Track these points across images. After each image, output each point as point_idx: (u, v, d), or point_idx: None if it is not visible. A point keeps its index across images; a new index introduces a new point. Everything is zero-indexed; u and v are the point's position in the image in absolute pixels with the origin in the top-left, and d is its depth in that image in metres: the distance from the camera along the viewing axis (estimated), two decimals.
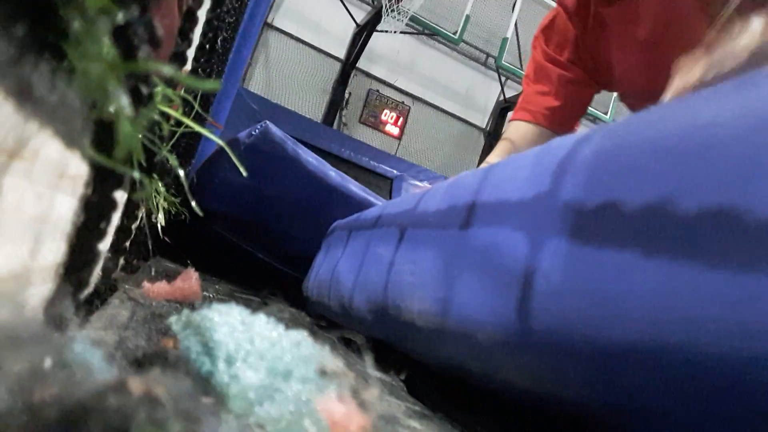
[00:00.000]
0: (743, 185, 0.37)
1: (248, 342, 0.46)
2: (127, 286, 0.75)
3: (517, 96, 7.58)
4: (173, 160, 0.55)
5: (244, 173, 0.66)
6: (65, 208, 0.38)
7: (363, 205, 1.64)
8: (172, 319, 0.54)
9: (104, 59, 0.25)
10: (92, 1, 0.21)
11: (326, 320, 1.33)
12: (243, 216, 1.60)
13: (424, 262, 0.74)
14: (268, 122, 1.63)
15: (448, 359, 0.75)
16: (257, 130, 1.58)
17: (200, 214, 0.66)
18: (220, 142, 0.53)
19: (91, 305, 0.57)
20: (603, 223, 0.48)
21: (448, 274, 0.68)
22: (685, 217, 0.39)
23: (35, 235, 0.33)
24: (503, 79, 7.88)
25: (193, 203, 0.58)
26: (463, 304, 0.64)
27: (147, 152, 0.53)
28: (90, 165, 0.40)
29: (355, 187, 1.75)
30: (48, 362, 0.32)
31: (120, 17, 0.25)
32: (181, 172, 0.57)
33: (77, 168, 0.38)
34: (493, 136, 7.86)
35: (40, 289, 0.38)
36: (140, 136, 0.38)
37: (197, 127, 0.52)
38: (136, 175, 0.40)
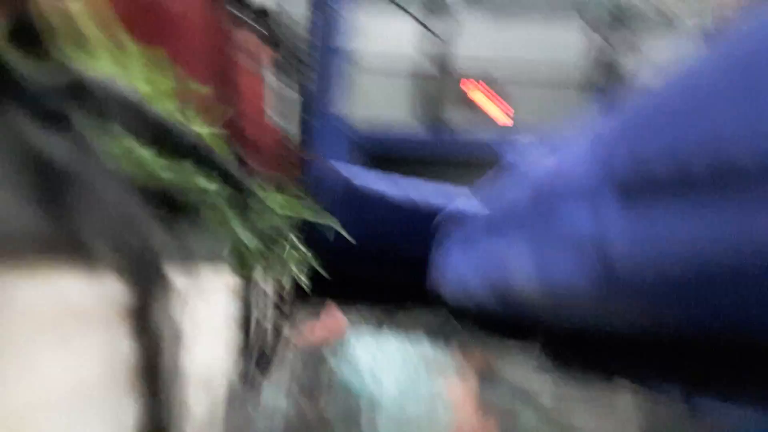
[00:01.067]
0: (732, 137, 0.43)
1: (384, 359, 0.60)
2: (293, 338, 0.94)
3: None
4: (299, 247, 0.71)
5: (353, 241, 0.80)
6: (230, 305, 0.55)
7: (444, 209, 1.78)
8: (327, 353, 0.70)
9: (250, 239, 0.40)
10: (214, 219, 0.36)
11: (459, 318, 1.45)
12: (355, 249, 1.80)
13: (515, 249, 0.83)
14: (344, 174, 1.83)
15: (578, 323, 0.82)
16: (337, 185, 1.79)
17: (326, 276, 0.82)
18: (332, 224, 0.71)
19: (268, 362, 0.75)
20: (640, 183, 0.55)
21: (537, 257, 0.77)
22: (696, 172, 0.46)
23: (216, 333, 0.50)
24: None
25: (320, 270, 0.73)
26: (560, 269, 0.72)
27: (275, 242, 0.70)
28: (237, 271, 0.56)
29: (434, 192, 1.89)
30: (251, 408, 0.49)
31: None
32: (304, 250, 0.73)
33: (229, 276, 0.55)
34: None
35: (229, 365, 0.55)
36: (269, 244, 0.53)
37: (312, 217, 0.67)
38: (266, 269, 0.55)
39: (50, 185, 0.22)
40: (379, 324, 1.15)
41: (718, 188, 0.45)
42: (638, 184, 0.57)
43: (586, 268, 0.67)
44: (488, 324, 1.24)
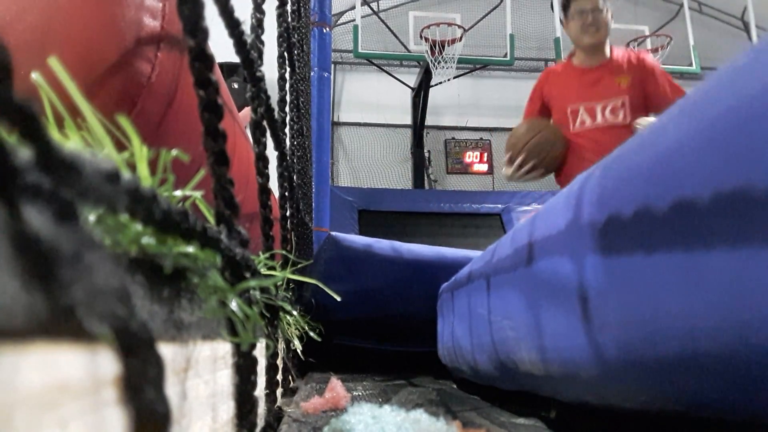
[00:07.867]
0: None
1: (380, 431, 0.58)
2: (289, 410, 0.91)
3: None
4: (290, 308, 0.71)
5: (338, 297, 0.82)
6: (224, 378, 0.54)
7: (439, 263, 1.79)
8: (325, 429, 0.68)
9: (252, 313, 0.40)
10: (205, 289, 0.36)
11: (465, 390, 1.41)
12: (352, 317, 1.80)
13: (512, 304, 0.83)
14: (330, 233, 1.87)
15: (580, 397, 0.80)
16: (326, 244, 1.83)
17: (322, 333, 0.81)
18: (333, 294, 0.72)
19: None
20: (616, 233, 0.56)
21: (533, 311, 0.76)
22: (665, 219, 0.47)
23: (212, 407, 0.49)
24: None
25: (312, 334, 0.73)
26: (558, 348, 0.71)
27: (271, 309, 0.69)
28: (231, 343, 0.56)
29: (428, 251, 1.91)
30: None
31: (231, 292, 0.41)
32: (295, 313, 0.73)
33: (223, 348, 0.54)
34: None
35: None
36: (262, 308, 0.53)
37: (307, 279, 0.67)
38: (266, 339, 0.55)
39: (39, 260, 0.22)
40: (382, 397, 1.12)
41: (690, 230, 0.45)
42: (610, 232, 0.57)
43: (575, 330, 0.67)
44: (494, 396, 1.21)
